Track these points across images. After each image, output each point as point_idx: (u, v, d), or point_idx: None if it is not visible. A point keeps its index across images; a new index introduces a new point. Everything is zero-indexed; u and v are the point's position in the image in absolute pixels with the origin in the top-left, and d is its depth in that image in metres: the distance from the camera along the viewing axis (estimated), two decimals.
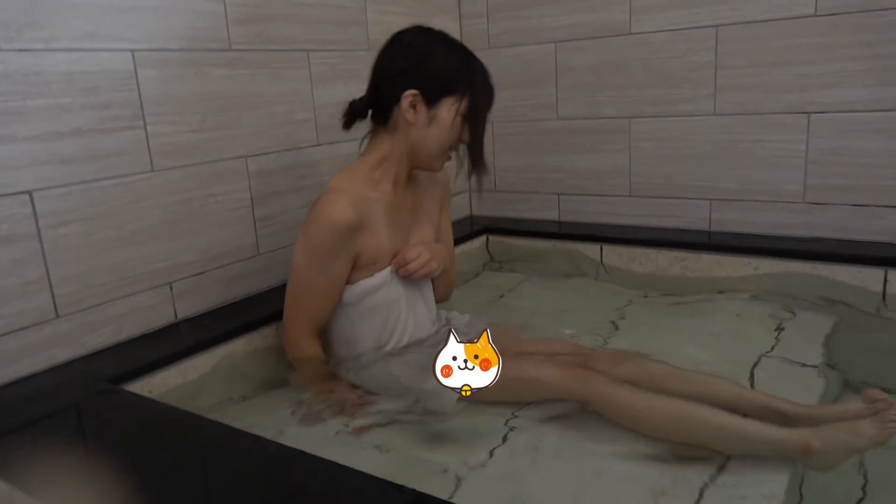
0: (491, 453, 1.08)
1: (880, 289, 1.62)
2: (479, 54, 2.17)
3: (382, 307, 1.31)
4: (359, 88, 1.88)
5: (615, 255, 2.00)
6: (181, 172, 1.44)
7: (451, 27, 2.25)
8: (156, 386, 1.26)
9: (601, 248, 2.02)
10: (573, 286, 1.93)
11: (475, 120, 1.28)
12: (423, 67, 1.25)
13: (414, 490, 0.80)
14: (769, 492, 0.95)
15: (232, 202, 1.56)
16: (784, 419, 1.06)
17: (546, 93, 2.18)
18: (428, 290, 1.44)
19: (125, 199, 1.34)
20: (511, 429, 1.14)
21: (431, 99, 1.25)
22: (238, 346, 1.42)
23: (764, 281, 1.74)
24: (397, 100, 1.26)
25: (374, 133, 1.34)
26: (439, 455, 1.08)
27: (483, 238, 2.24)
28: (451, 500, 0.78)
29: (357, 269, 1.28)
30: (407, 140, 1.29)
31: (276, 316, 1.50)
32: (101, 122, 1.29)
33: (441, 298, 1.51)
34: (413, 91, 1.24)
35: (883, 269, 1.63)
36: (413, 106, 1.25)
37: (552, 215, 2.26)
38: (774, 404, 1.09)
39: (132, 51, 1.33)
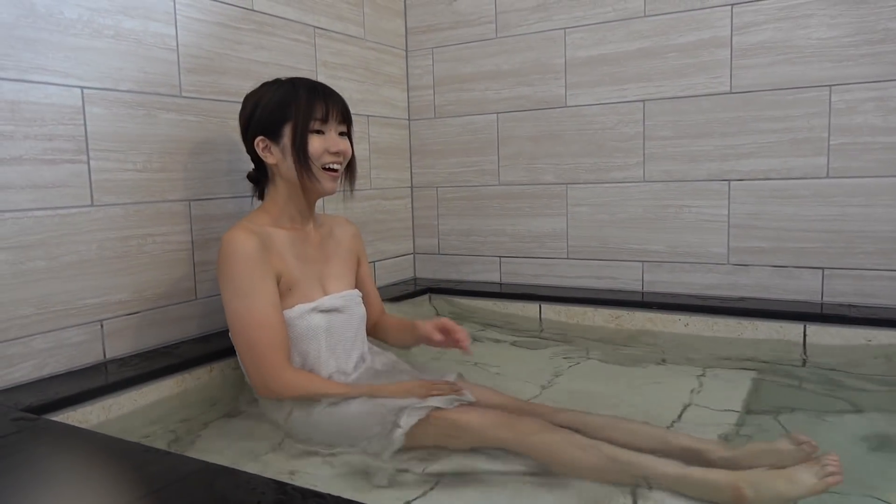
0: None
1: (800, 341, 1.71)
2: (424, 124, 2.32)
3: (309, 333, 1.32)
4: None
5: (553, 314, 2.04)
6: (121, 210, 1.44)
7: (398, 98, 2.36)
8: (76, 421, 1.21)
9: (540, 307, 2.07)
10: (513, 343, 1.95)
11: (304, 127, 1.32)
12: (256, 115, 1.36)
13: (337, 497, 0.78)
14: None
15: (172, 244, 1.56)
16: (708, 462, 1.07)
17: (488, 160, 2.28)
18: (360, 329, 1.44)
19: (60, 231, 1.33)
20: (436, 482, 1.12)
21: (274, 135, 1.35)
22: (167, 386, 1.38)
23: (693, 335, 1.81)
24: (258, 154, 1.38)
25: (266, 189, 1.45)
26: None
27: (425, 297, 2.26)
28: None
29: (281, 296, 1.30)
30: (282, 179, 1.38)
31: (210, 357, 1.48)
32: (42, 153, 1.30)
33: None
34: (259, 138, 1.36)
35: (802, 324, 1.72)
36: (266, 150, 1.36)
37: (494, 277, 2.31)
38: (699, 446, 1.11)
39: (81, 87, 1.36)
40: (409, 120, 2.41)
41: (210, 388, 1.46)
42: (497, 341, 1.97)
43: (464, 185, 2.34)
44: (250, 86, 1.73)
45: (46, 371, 1.32)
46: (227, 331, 1.55)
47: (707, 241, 1.96)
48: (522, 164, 2.22)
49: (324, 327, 1.34)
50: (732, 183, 1.91)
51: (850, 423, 1.33)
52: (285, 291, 1.31)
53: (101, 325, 1.41)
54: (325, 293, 1.39)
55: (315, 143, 1.33)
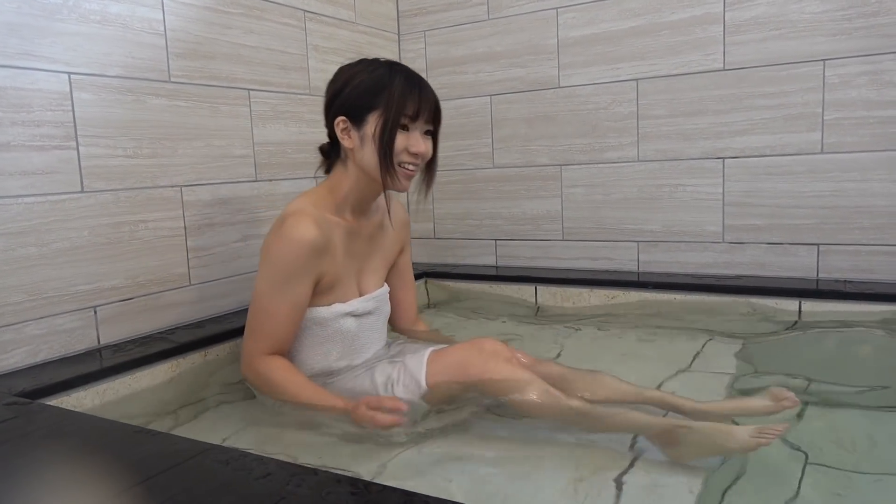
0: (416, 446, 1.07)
1: (796, 318, 1.71)
2: None
3: (338, 335, 1.30)
4: (298, 130, 1.95)
5: (549, 295, 2.04)
6: (112, 196, 1.44)
7: None
8: (70, 406, 1.21)
9: (536, 289, 2.07)
10: (509, 324, 1.96)
11: (393, 123, 1.22)
12: (344, 93, 1.26)
13: (326, 471, 0.79)
14: (687, 480, 0.97)
15: (164, 230, 1.55)
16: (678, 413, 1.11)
17: (482, 143, 2.27)
18: (384, 327, 1.44)
19: (51, 217, 1.33)
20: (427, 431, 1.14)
21: (357, 120, 1.25)
22: (162, 371, 1.39)
23: (689, 314, 1.81)
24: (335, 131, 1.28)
25: (334, 165, 1.34)
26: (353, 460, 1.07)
27: (422, 281, 2.26)
28: (373, 481, 0.77)
29: (319, 293, 1.26)
30: (356, 166, 1.28)
31: (205, 342, 1.48)
32: (31, 139, 1.29)
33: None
34: (340, 118, 1.26)
35: (797, 301, 1.72)
36: (346, 132, 1.26)
37: (490, 261, 2.31)
38: (672, 400, 1.13)
39: (69, 73, 1.36)
40: None
41: (205, 372, 1.46)
42: (492, 319, 1.97)
43: (458, 168, 2.33)
44: (241, 70, 1.74)
45: (40, 357, 1.32)
46: (221, 316, 1.57)
47: (702, 220, 1.96)
48: (517, 147, 2.21)
49: (353, 332, 1.32)
50: (727, 160, 1.90)
51: (843, 396, 1.33)
52: (326, 289, 1.27)
53: (95, 312, 1.42)
54: (360, 292, 1.35)
55: (398, 141, 1.23)
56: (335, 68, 2.13)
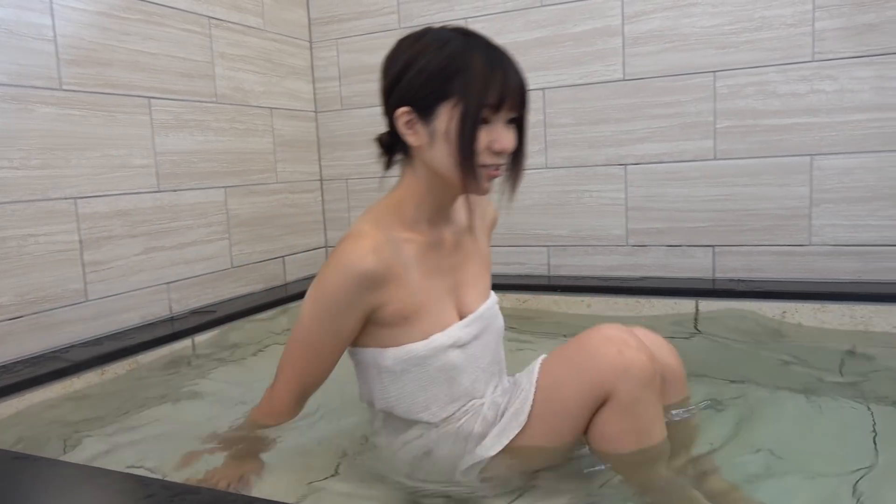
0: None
1: (693, 316, 1.80)
2: (332, 115, 2.22)
3: (442, 376, 1.04)
4: (205, 138, 1.90)
5: None
6: None
7: (304, 90, 2.33)
8: None
9: None
10: None
11: (473, 118, 0.96)
12: (406, 78, 0.99)
13: (210, 489, 0.78)
14: None
15: (57, 244, 1.49)
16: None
17: None
18: (498, 347, 1.16)
19: None
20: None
21: (425, 111, 0.98)
22: (54, 391, 1.33)
23: (597, 316, 1.87)
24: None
25: (402, 166, 1.08)
26: None
27: None
28: (258, 497, 0.76)
29: (385, 325, 1.02)
30: (425, 167, 1.02)
31: (102, 359, 1.43)
32: None
33: None
34: (403, 108, 0.99)
35: (695, 300, 1.80)
36: (410, 126, 0.99)
37: None
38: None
39: None
40: (315, 112, 2.38)
41: (102, 391, 1.41)
42: None
43: (374, 176, 2.33)
44: (140, 78, 1.68)
45: None
46: (122, 332, 1.52)
47: (607, 224, 2.03)
48: None
49: (460, 367, 1.05)
50: (629, 167, 1.98)
51: (740, 390, 1.40)
52: (399, 319, 1.01)
53: None
54: (460, 313, 1.08)
55: (479, 137, 0.97)
56: (245, 76, 2.09)
